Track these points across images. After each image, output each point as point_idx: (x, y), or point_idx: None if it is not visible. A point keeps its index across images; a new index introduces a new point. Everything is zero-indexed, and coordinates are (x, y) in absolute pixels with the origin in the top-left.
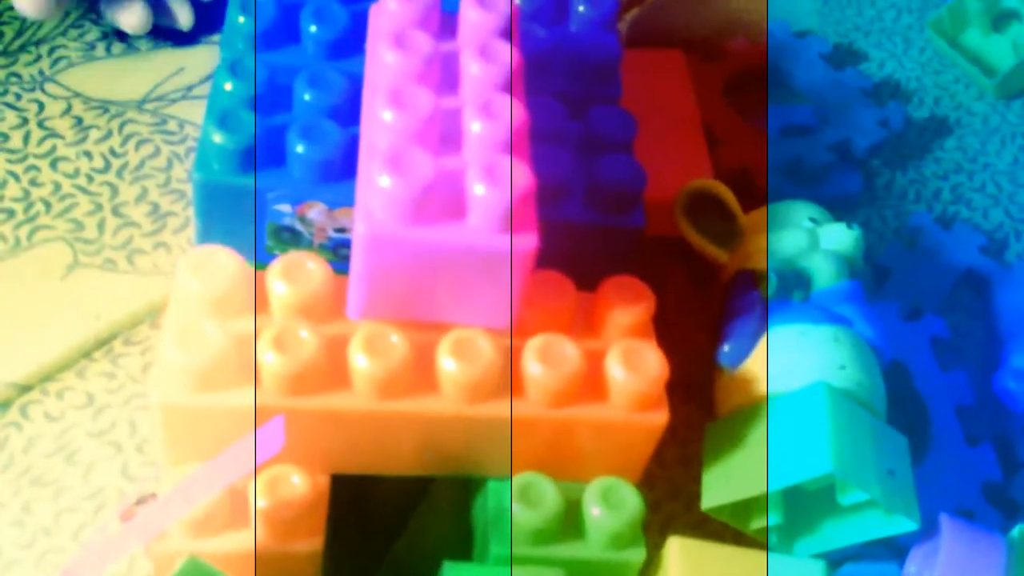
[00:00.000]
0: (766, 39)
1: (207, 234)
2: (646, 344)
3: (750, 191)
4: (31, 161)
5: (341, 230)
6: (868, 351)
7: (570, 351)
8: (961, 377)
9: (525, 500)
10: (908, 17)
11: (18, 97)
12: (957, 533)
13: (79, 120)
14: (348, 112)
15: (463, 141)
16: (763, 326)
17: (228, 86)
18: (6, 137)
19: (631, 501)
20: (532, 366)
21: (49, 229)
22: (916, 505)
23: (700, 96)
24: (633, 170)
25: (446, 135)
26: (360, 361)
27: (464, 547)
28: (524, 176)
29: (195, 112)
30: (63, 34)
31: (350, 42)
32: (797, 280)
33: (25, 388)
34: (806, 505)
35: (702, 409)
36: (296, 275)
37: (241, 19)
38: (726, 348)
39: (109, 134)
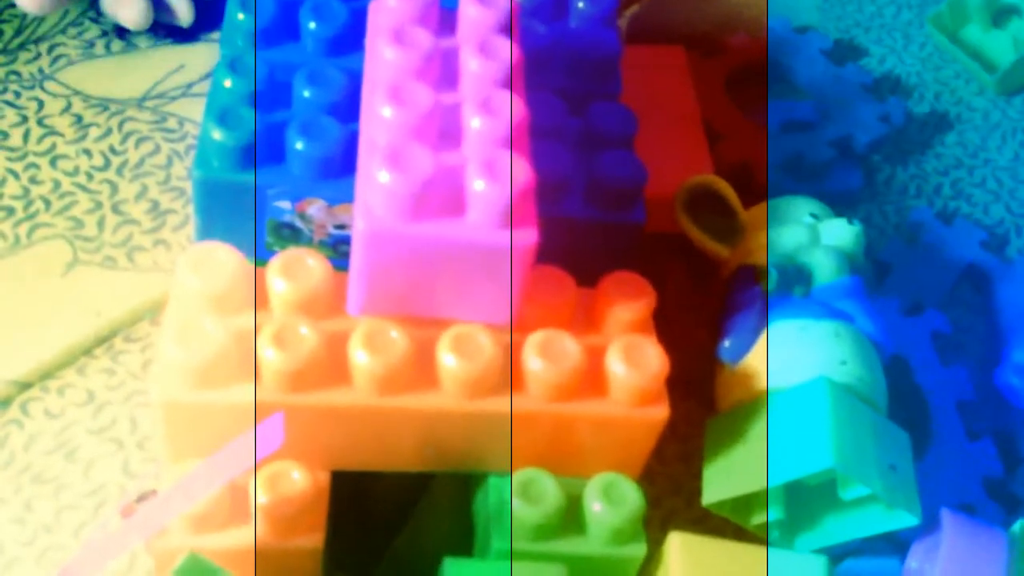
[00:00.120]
0: (766, 35)
1: (207, 231)
2: (646, 340)
3: (750, 187)
4: (31, 159)
5: (341, 226)
6: (869, 346)
7: (570, 347)
8: (962, 372)
9: (526, 496)
10: (908, 13)
11: (18, 95)
12: (958, 528)
13: (79, 118)
14: (347, 109)
15: (463, 137)
16: (764, 322)
17: (228, 83)
18: (6, 135)
19: (632, 497)
20: (532, 361)
21: (49, 227)
22: (917, 500)
23: (700, 92)
24: (633, 166)
25: (446, 131)
26: (360, 357)
27: (465, 543)
28: (524, 172)
29: (195, 109)
30: (62, 32)
31: (349, 39)
32: (798, 276)
33: (25, 385)
34: (807, 500)
35: (703, 405)
36: (296, 272)
37: (241, 16)
38: (727, 344)
39: (109, 132)
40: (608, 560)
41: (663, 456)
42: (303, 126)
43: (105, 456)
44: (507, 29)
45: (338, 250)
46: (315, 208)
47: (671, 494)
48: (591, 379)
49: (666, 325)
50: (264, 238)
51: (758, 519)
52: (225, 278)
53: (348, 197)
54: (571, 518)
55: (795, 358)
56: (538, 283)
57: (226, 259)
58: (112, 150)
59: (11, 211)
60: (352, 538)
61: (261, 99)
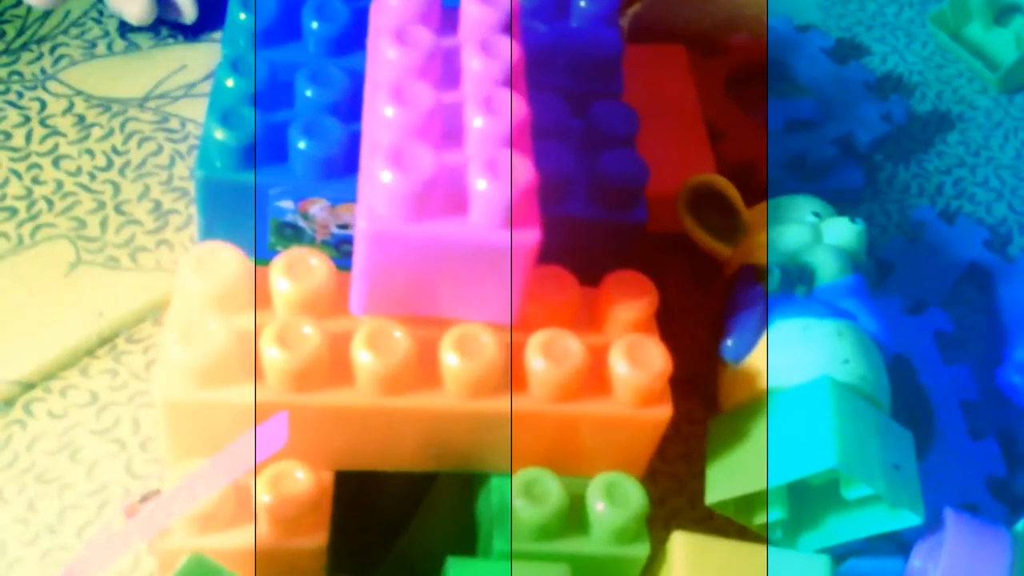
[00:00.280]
0: (766, 33)
1: (209, 231)
2: (649, 339)
3: (752, 186)
4: (33, 159)
5: (343, 226)
6: (872, 345)
7: (573, 346)
8: (965, 371)
9: (529, 495)
10: (910, 11)
11: (20, 95)
12: (961, 527)
13: (81, 118)
14: (350, 108)
15: (465, 136)
16: (766, 321)
17: (230, 83)
18: (8, 135)
19: (635, 496)
20: (535, 361)
21: (51, 227)
22: (920, 499)
23: (702, 91)
24: (635, 165)
25: (448, 130)
26: (363, 357)
27: (468, 542)
28: (526, 171)
29: (197, 109)
30: (65, 32)
31: (351, 38)
32: (800, 275)
33: (28, 386)
34: (810, 500)
35: (705, 404)
36: (299, 271)
37: (242, 16)
38: (729, 343)
39: (111, 132)
40: (611, 560)
41: (666, 455)
42: (305, 126)
43: (108, 456)
44: (508, 28)
45: (341, 250)
46: (317, 208)
47: (674, 493)
48: (594, 379)
49: (668, 324)
50: (267, 238)
51: (761, 519)
52: (228, 278)
53: (350, 197)
54: (574, 518)
55: (798, 357)
56: (540, 282)
57: (229, 259)
58: (114, 150)
59: (14, 211)
60: (355, 538)
61: (263, 99)
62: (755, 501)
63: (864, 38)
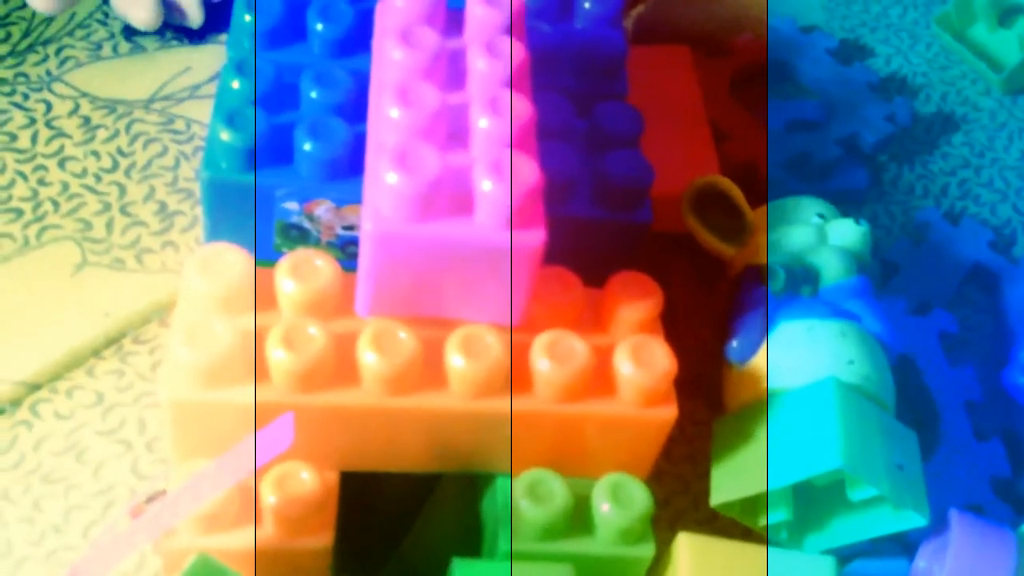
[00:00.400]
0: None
1: (215, 232)
2: (654, 340)
3: (757, 187)
4: (39, 161)
5: (349, 227)
6: (876, 346)
7: (578, 347)
8: (970, 372)
9: (534, 496)
10: (914, 12)
11: (26, 97)
12: (967, 528)
13: (87, 120)
14: (355, 110)
15: (470, 137)
16: (771, 322)
17: (235, 84)
18: (14, 137)
19: (640, 497)
20: (540, 362)
21: (57, 228)
22: (925, 500)
23: (707, 92)
24: (640, 166)
25: (453, 131)
26: (369, 358)
27: (473, 543)
28: (531, 172)
29: (202, 111)
30: (70, 34)
31: (356, 39)
32: (805, 276)
33: (34, 387)
34: (815, 501)
35: (710, 405)
36: (304, 272)
37: (248, 18)
38: (734, 344)
39: (116, 134)
40: (616, 560)
41: (671, 456)
42: (311, 127)
43: (114, 457)
44: (513, 29)
45: (346, 251)
46: (323, 209)
47: (679, 494)
48: (599, 379)
49: (673, 325)
50: (272, 239)
51: (766, 520)
52: (233, 279)
53: (356, 198)
54: (579, 518)
55: (802, 358)
56: (545, 283)
57: (234, 260)
58: (120, 152)
59: (20, 213)
60: (360, 538)
61: (269, 100)
62: (760, 502)
63: (868, 39)
